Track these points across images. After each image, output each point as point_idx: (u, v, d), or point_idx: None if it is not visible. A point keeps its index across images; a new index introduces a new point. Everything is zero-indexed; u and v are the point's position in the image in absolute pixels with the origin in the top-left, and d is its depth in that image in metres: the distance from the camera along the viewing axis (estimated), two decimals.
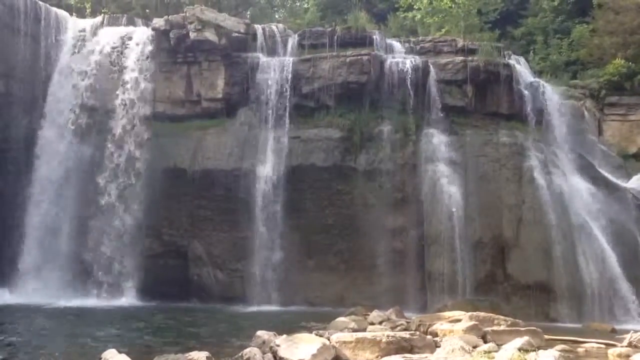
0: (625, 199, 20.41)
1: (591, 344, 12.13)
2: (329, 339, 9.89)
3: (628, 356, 10.66)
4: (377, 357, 9.12)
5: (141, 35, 22.05)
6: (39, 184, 20.58)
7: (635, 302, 18.31)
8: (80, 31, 22.48)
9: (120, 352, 8.98)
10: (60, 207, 20.43)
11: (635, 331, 13.10)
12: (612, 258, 18.76)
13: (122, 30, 22.31)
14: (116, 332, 13.12)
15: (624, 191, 20.74)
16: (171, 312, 17.37)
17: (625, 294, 18.42)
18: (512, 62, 22.18)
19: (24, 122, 20.84)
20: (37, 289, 19.08)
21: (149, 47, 21.77)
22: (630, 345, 11.90)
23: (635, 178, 21.56)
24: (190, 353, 9.04)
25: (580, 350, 11.63)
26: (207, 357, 8.80)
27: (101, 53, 21.55)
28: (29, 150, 20.70)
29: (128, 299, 19.50)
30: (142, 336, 12.57)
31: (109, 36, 21.95)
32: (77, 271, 19.83)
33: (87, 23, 23.12)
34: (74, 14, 24.60)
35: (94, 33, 22.29)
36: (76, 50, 22.02)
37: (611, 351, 11.22)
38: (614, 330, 15.46)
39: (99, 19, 23.48)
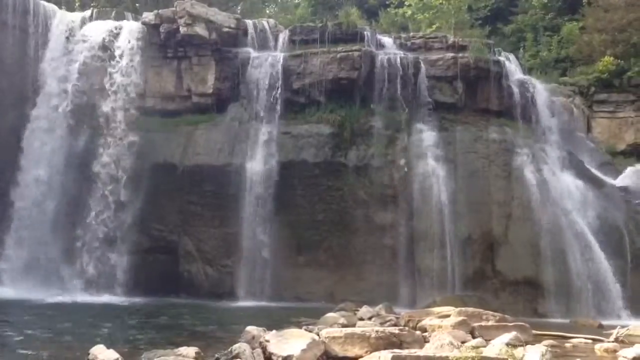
0: (613, 195, 20.60)
1: (578, 339, 12.22)
2: (318, 335, 9.92)
3: (615, 351, 10.78)
4: (366, 352, 9.14)
5: (131, 29, 21.87)
6: (26, 178, 20.39)
7: (622, 298, 18.50)
8: (69, 25, 22.25)
9: (108, 347, 8.95)
10: (48, 201, 20.27)
11: (622, 327, 13.24)
12: (599, 254, 18.93)
13: (111, 24, 22.11)
14: (105, 327, 13.06)
15: (612, 188, 20.93)
16: (160, 307, 17.32)
17: (612, 289, 18.61)
18: (502, 59, 22.27)
19: (12, 116, 20.65)
20: (23, 284, 18.92)
21: (139, 42, 21.59)
22: (617, 340, 12.03)
23: (623, 175, 21.77)
24: (180, 348, 9.03)
25: (568, 345, 11.72)
26: (196, 353, 8.79)
27: (90, 47, 21.36)
28: (17, 143, 20.50)
29: (117, 294, 19.38)
30: (131, 332, 12.53)
31: (98, 30, 21.76)
32: (65, 266, 19.71)
33: (76, 16, 22.89)
34: (62, 7, 24.39)
35: (83, 27, 22.10)
36: (65, 44, 21.82)
37: (598, 346, 11.33)
38: (601, 326, 15.60)
39: (88, 12, 23.27)
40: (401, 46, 22.70)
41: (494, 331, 11.35)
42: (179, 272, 20.81)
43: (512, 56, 23.84)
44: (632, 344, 11.10)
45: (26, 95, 21.06)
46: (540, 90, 22.14)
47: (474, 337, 11.05)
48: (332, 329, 10.60)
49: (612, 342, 11.73)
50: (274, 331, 10.01)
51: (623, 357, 10.15)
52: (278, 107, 21.17)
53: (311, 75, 21.37)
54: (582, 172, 21.06)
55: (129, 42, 21.49)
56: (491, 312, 13.31)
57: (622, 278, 18.77)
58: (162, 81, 22.25)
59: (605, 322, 16.22)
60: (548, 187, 19.95)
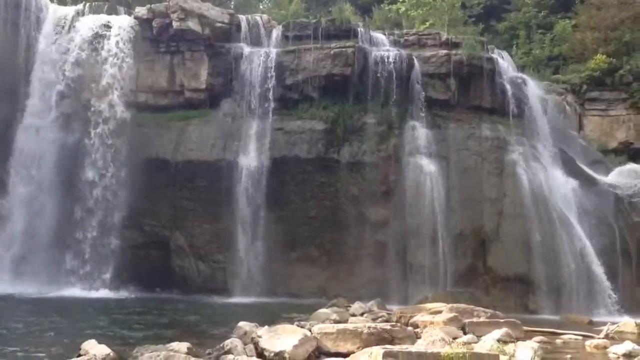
0: (604, 193, 20.71)
1: (569, 336, 12.31)
2: (310, 330, 9.92)
3: (605, 347, 10.85)
4: (358, 348, 9.15)
5: (123, 23, 21.76)
6: (18, 174, 20.31)
7: (612, 295, 18.62)
8: (61, 19, 22.13)
9: (100, 342, 8.92)
10: (40, 195, 20.18)
11: (612, 323, 13.34)
12: (590, 251, 19.05)
13: (103, 18, 22.00)
14: (96, 323, 13.03)
15: (603, 185, 21.04)
16: (152, 303, 17.29)
17: (602, 286, 18.72)
18: (495, 56, 22.33)
19: (3, 111, 20.48)
20: (15, 279, 18.85)
21: (131, 36, 21.49)
22: (607, 337, 12.11)
23: (614, 173, 21.88)
24: (172, 344, 9.00)
25: (558, 341, 11.80)
26: (188, 348, 8.77)
27: (82, 41, 21.22)
28: (8, 139, 20.37)
29: (109, 289, 19.32)
30: (123, 327, 12.49)
31: (91, 24, 21.63)
32: (57, 262, 19.61)
33: (69, 10, 22.76)
34: (55, 0, 24.23)
35: (75, 21, 21.96)
36: (57, 39, 21.68)
37: (588, 342, 11.40)
38: (591, 322, 15.71)
39: (80, 6, 23.10)
40: (394, 43, 22.72)
41: (485, 327, 11.40)
42: (171, 268, 20.77)
43: (505, 53, 23.92)
44: (622, 340, 11.17)
45: (18, 89, 20.90)
46: (533, 87, 22.22)
47: (465, 334, 11.09)
48: (324, 324, 10.61)
49: (603, 338, 11.81)
50: (266, 327, 10.00)
51: (613, 353, 10.23)
52: (271, 103, 21.13)
53: (304, 71, 21.35)
54: (573, 170, 21.16)
55: (121, 36, 21.37)
56: (482, 309, 13.35)
57: (612, 275, 18.90)
58: (155, 76, 22.17)
59: (595, 319, 16.34)
60: (540, 185, 20.03)
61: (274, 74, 21.26)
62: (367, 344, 9.16)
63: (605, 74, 24.68)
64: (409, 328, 11.18)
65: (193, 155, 20.99)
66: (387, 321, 12.50)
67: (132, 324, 13.00)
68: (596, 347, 11.06)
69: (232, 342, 9.11)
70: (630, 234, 20.05)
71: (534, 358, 8.45)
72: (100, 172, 20.28)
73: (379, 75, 21.19)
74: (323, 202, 20.51)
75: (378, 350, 7.70)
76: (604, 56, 24.83)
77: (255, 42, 22.56)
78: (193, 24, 21.66)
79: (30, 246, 19.79)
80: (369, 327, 9.72)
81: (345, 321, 12.46)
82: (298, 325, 10.93)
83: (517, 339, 10.53)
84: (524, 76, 22.67)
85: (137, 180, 20.28)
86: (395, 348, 8.18)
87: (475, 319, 12.26)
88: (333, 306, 15.41)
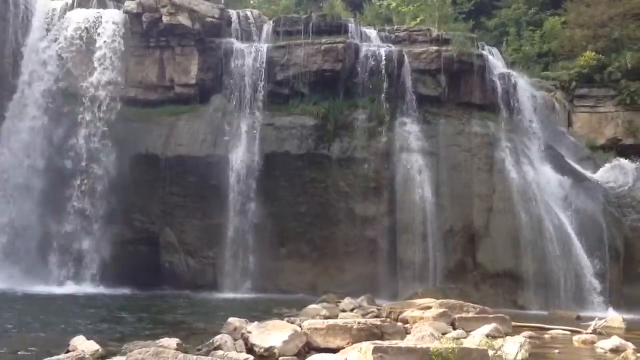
0: (592, 189, 20.88)
1: (557, 331, 12.39)
2: (300, 326, 9.92)
3: (592, 342, 10.93)
4: (347, 343, 9.16)
5: (112, 17, 21.59)
6: (4, 168, 20.14)
7: (600, 290, 18.78)
8: (49, 12, 21.94)
9: (89, 338, 8.88)
10: (26, 190, 20.01)
11: (600, 318, 13.44)
12: (578, 247, 19.20)
13: (93, 12, 21.83)
14: (85, 319, 12.96)
15: (592, 182, 21.20)
16: (142, 299, 17.23)
17: (590, 282, 18.89)
18: (485, 52, 22.43)
19: None
20: (1, 275, 18.66)
21: (121, 30, 21.33)
22: (594, 332, 12.20)
23: (602, 169, 22.04)
24: (161, 340, 8.97)
25: (546, 336, 11.87)
26: (177, 344, 8.74)
27: (71, 35, 21.05)
28: None
29: (97, 285, 19.23)
30: (112, 323, 12.44)
31: (80, 18, 21.44)
32: (44, 257, 19.49)
33: (57, 4, 22.54)
34: None
35: (64, 14, 21.78)
36: (45, 32, 21.50)
37: (576, 337, 11.48)
38: (579, 318, 15.83)
39: (69, 0, 22.96)
40: (385, 38, 22.76)
41: (474, 323, 11.45)
42: (160, 264, 20.70)
43: (495, 50, 24.01)
44: (609, 335, 11.26)
45: (6, 84, 20.72)
46: (523, 84, 22.34)
47: (454, 329, 11.14)
48: (314, 320, 10.61)
49: (590, 333, 11.90)
50: (255, 322, 10.00)
51: (600, 348, 10.31)
52: (261, 99, 21.12)
53: (295, 66, 21.33)
54: (562, 166, 21.31)
55: (111, 30, 21.20)
56: (472, 304, 13.41)
57: (600, 271, 19.07)
58: (144, 71, 22.04)
59: (583, 314, 16.46)
60: (529, 181, 20.16)
61: (264, 69, 21.25)
62: (356, 339, 9.17)
63: (594, 70, 24.80)
64: (399, 324, 11.21)
65: (183, 151, 20.91)
66: (377, 317, 12.53)
67: (120, 320, 12.95)
68: (584, 342, 11.14)
69: (222, 337, 9.10)
70: (618, 230, 20.24)
71: (519, 352, 8.49)
72: (88, 167, 20.13)
73: (369, 71, 21.21)
74: (313, 197, 20.52)
75: (368, 346, 7.70)
76: (593, 53, 24.96)
77: (246, 37, 22.51)
78: (183, 19, 21.55)
79: (16, 241, 19.63)
80: (358, 323, 9.73)
81: (335, 317, 12.48)
82: (288, 321, 10.94)
83: (506, 334, 10.58)
84: (514, 73, 22.77)
85: (126, 175, 20.20)
86: (385, 343, 8.19)
87: (464, 315, 12.31)
88: (323, 302, 15.42)
